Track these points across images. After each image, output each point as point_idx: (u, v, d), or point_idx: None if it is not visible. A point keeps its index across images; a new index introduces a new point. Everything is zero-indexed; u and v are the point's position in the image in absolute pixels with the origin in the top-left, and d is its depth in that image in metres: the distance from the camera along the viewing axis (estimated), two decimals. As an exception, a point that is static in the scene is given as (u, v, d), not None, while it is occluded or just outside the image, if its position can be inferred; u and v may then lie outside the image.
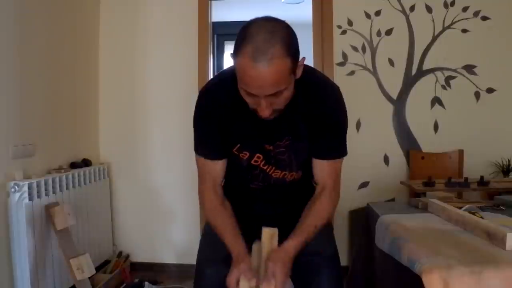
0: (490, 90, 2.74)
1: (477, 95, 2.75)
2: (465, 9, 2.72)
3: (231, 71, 1.07)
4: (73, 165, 2.52)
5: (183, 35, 2.91)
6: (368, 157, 2.79)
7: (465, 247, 1.13)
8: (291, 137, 1.16)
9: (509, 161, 2.64)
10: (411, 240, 1.21)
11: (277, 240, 1.09)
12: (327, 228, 1.30)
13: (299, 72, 1.02)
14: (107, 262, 2.77)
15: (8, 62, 2.03)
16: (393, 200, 2.72)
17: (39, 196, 2.07)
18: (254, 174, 1.23)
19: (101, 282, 2.43)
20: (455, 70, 2.75)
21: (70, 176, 2.38)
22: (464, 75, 2.75)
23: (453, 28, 2.74)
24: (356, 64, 2.80)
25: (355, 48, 2.80)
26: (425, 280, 0.99)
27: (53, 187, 2.21)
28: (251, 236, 1.25)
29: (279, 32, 0.94)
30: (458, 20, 2.74)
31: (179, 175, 2.92)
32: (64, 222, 2.13)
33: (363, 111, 2.80)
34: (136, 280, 2.61)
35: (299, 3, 4.05)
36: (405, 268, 1.15)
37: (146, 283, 2.54)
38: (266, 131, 1.15)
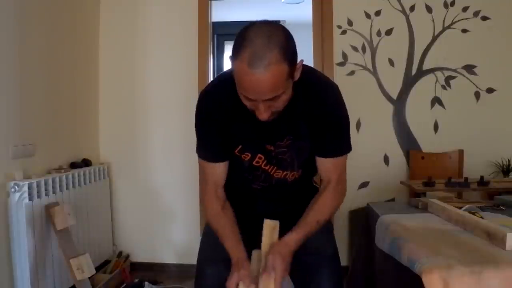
0: (490, 90, 2.74)
1: (477, 95, 2.75)
2: (465, 9, 2.73)
3: (231, 73, 1.07)
4: (73, 165, 2.53)
5: (183, 35, 2.91)
6: (368, 157, 2.79)
7: (465, 247, 1.13)
8: (292, 136, 1.16)
9: (509, 161, 2.64)
10: (411, 240, 1.21)
11: (277, 232, 1.10)
12: (328, 228, 1.30)
13: (297, 75, 1.03)
14: (107, 262, 2.77)
15: (8, 62, 2.03)
16: (393, 200, 2.72)
17: (39, 196, 2.07)
18: (255, 175, 1.23)
19: (101, 282, 2.43)
20: (455, 70, 2.75)
21: (70, 176, 2.38)
22: (464, 75, 2.75)
23: (453, 28, 2.74)
24: (356, 64, 2.80)
25: (355, 48, 2.80)
26: (425, 280, 0.99)
27: (53, 187, 2.21)
28: (252, 236, 1.25)
29: (276, 37, 0.94)
30: (458, 20, 2.74)
31: (179, 175, 2.92)
32: (64, 222, 2.13)
33: (363, 111, 2.80)
34: (136, 280, 2.61)
35: (299, 3, 4.05)
36: (405, 268, 1.15)
37: (146, 283, 2.54)
38: (267, 131, 1.15)
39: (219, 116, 1.15)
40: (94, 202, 2.65)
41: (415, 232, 1.29)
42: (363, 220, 1.79)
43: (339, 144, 1.19)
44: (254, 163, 1.20)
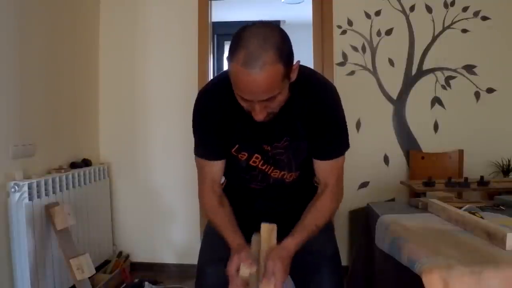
0: (490, 90, 2.74)
1: (477, 95, 2.75)
2: (465, 9, 2.73)
3: (227, 73, 1.08)
4: (73, 165, 2.53)
5: (183, 35, 2.91)
6: (368, 157, 2.79)
7: (465, 247, 1.13)
8: (290, 137, 1.16)
9: (509, 161, 2.64)
10: (411, 240, 1.21)
11: (275, 236, 1.09)
12: (328, 228, 1.30)
13: (293, 76, 1.03)
14: (107, 262, 2.77)
15: (8, 62, 2.03)
16: (393, 200, 2.72)
17: (39, 196, 2.07)
18: (252, 175, 1.23)
19: (101, 282, 2.43)
20: (455, 70, 2.75)
21: (70, 176, 2.38)
22: (464, 75, 2.75)
23: (453, 28, 2.74)
24: (356, 64, 2.80)
25: (355, 48, 2.80)
26: (425, 280, 0.99)
27: (53, 187, 2.21)
28: (251, 235, 1.25)
29: (272, 37, 0.94)
30: (458, 20, 2.74)
31: (179, 175, 2.92)
32: (64, 222, 2.13)
33: (363, 111, 2.80)
34: (136, 280, 2.61)
35: (299, 3, 4.05)
36: (405, 268, 1.15)
37: (146, 283, 2.54)
38: (264, 132, 1.15)
39: (217, 115, 1.16)
40: (94, 202, 2.65)
41: (415, 232, 1.29)
42: (363, 220, 1.79)
43: (336, 146, 1.19)
44: (251, 163, 1.20)
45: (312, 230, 1.13)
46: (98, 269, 2.55)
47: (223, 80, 1.14)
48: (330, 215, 1.21)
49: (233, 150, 1.19)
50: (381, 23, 2.78)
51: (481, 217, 1.31)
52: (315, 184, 1.37)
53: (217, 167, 1.23)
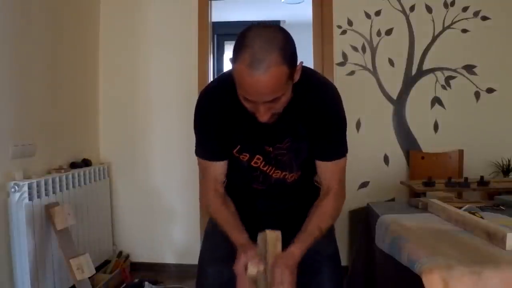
0: (490, 90, 2.74)
1: (477, 95, 2.75)
2: (465, 9, 2.73)
3: (231, 74, 1.08)
4: (73, 165, 2.52)
5: (183, 35, 2.91)
6: (368, 157, 2.79)
7: (465, 247, 1.13)
8: (291, 138, 1.16)
9: (509, 161, 2.64)
10: (411, 240, 1.21)
11: (281, 243, 1.08)
12: (329, 228, 1.30)
13: (297, 77, 1.03)
14: (107, 262, 2.77)
15: (8, 62, 2.03)
16: (393, 200, 2.72)
17: (39, 196, 2.07)
18: (254, 175, 1.23)
19: (101, 282, 2.43)
20: (455, 70, 2.75)
21: (70, 176, 2.38)
22: (464, 75, 2.75)
23: (453, 28, 2.74)
24: (356, 64, 2.80)
25: (355, 48, 2.80)
26: (425, 280, 0.99)
27: (53, 187, 2.21)
28: (254, 234, 1.25)
29: (276, 39, 0.94)
30: (458, 20, 2.74)
31: (179, 175, 2.92)
32: (64, 222, 2.13)
33: (363, 111, 2.80)
34: (136, 280, 2.61)
35: (299, 3, 4.05)
36: (405, 268, 1.15)
37: (146, 283, 2.54)
38: (266, 133, 1.15)
39: (218, 116, 1.15)
40: (94, 202, 2.65)
41: (415, 232, 1.29)
42: (363, 220, 1.79)
43: (339, 147, 1.19)
44: (252, 163, 1.20)
45: (317, 235, 1.13)
46: (98, 269, 2.55)
47: (224, 82, 1.14)
48: (334, 219, 1.21)
49: (234, 151, 1.19)
50: (381, 23, 2.78)
51: (481, 217, 1.31)
52: (316, 184, 1.37)
53: (219, 167, 1.23)
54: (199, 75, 2.88)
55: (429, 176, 2.15)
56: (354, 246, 1.97)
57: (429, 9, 2.75)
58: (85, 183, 2.54)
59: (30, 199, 2.00)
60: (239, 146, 1.18)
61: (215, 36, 4.57)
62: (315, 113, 1.13)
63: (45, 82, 2.33)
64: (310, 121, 1.14)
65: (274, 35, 0.95)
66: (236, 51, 0.96)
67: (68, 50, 2.58)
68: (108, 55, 2.96)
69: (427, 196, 1.83)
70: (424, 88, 2.77)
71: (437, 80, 2.77)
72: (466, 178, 2.17)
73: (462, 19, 2.73)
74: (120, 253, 2.88)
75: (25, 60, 2.16)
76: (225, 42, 4.96)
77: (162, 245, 2.98)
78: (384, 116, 2.81)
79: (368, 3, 2.79)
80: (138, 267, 2.91)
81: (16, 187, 1.96)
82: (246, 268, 1.05)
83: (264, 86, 0.93)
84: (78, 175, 2.47)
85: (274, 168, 1.21)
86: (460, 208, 1.45)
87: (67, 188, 2.33)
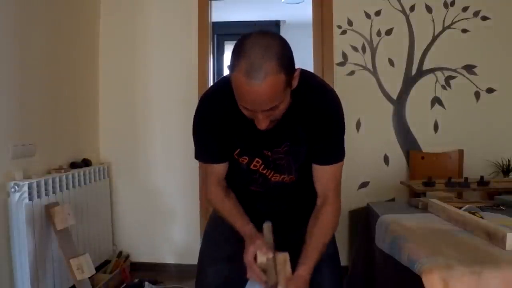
0: (490, 90, 2.74)
1: (477, 95, 2.75)
2: (465, 9, 2.73)
3: (230, 78, 1.08)
4: (73, 165, 2.53)
5: (183, 35, 2.91)
6: (368, 157, 2.79)
7: (465, 247, 1.13)
8: (290, 142, 1.17)
9: (509, 161, 2.64)
10: (411, 240, 1.21)
11: (289, 264, 1.09)
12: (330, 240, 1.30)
13: (294, 83, 1.03)
14: (107, 262, 2.77)
15: (9, 62, 2.03)
16: (393, 200, 2.72)
17: (39, 196, 2.07)
18: (253, 178, 1.23)
19: (101, 282, 2.43)
20: (455, 70, 2.75)
21: (70, 176, 2.38)
22: (464, 75, 2.75)
23: (453, 28, 2.74)
24: (356, 64, 2.80)
25: (355, 48, 2.80)
26: (425, 280, 0.99)
27: (53, 187, 2.21)
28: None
29: (273, 47, 0.94)
30: (458, 20, 2.74)
31: (179, 175, 2.92)
32: (64, 222, 2.13)
33: (363, 111, 2.80)
34: (136, 280, 2.61)
35: (299, 3, 4.05)
36: (405, 268, 1.15)
37: (146, 283, 2.54)
38: (264, 138, 1.15)
39: (218, 120, 1.16)
40: (94, 202, 2.65)
41: (415, 232, 1.29)
42: (363, 220, 1.79)
43: (336, 151, 1.19)
44: (251, 167, 1.21)
45: (321, 250, 1.14)
46: (98, 269, 2.55)
47: (223, 86, 1.14)
48: (334, 230, 1.21)
49: (234, 153, 1.20)
50: (381, 23, 2.78)
51: (481, 217, 1.31)
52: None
53: (220, 167, 1.24)
54: (199, 75, 2.88)
55: (429, 176, 2.15)
56: (354, 246, 1.97)
57: (429, 9, 2.75)
58: (85, 183, 2.54)
59: (30, 199, 2.00)
60: (239, 150, 1.19)
61: (215, 36, 4.57)
62: (315, 117, 1.13)
63: (45, 82, 2.33)
64: (309, 125, 1.14)
65: (271, 43, 0.94)
66: (233, 59, 0.96)
67: (68, 50, 2.58)
68: (108, 55, 2.96)
69: (427, 196, 1.83)
70: (424, 88, 2.77)
71: (437, 80, 2.77)
72: (466, 178, 2.17)
73: (462, 19, 2.73)
74: (120, 253, 2.88)
75: (25, 60, 2.16)
76: (225, 42, 4.96)
77: (162, 245, 2.98)
78: (384, 116, 2.81)
79: (368, 3, 2.79)
80: (138, 267, 2.91)
81: (16, 187, 1.96)
82: (255, 258, 1.07)
83: (261, 95, 0.93)
84: (78, 175, 2.47)
85: (273, 172, 1.21)
86: (460, 208, 1.45)
87: (67, 188, 2.33)
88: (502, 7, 2.72)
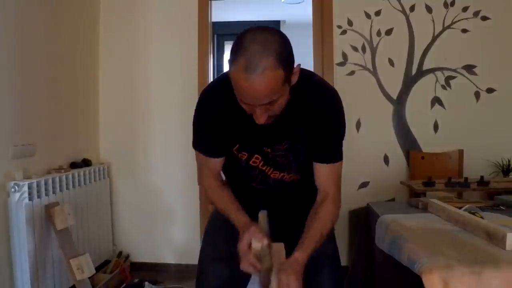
0: (490, 90, 2.74)
1: (477, 95, 2.75)
2: (465, 9, 2.73)
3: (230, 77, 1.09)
4: (73, 165, 2.52)
5: (183, 35, 2.91)
6: (368, 157, 2.79)
7: (465, 247, 1.13)
8: (290, 140, 1.17)
9: (509, 161, 2.64)
10: (411, 240, 1.21)
11: (284, 253, 1.09)
12: (329, 232, 1.30)
13: (294, 79, 1.03)
14: (107, 262, 2.77)
15: (8, 62, 2.03)
16: (393, 200, 2.72)
17: (39, 196, 2.07)
18: (253, 175, 1.24)
19: (101, 282, 2.43)
20: (455, 70, 2.75)
21: (70, 176, 2.38)
22: (464, 75, 2.75)
23: (453, 28, 2.74)
24: (356, 64, 2.80)
25: (355, 48, 2.80)
26: (425, 280, 0.99)
27: (53, 187, 2.21)
28: None
29: (272, 43, 0.94)
30: (458, 20, 2.74)
31: (179, 175, 2.92)
32: (64, 222, 2.13)
33: (363, 111, 2.80)
34: (136, 280, 2.61)
35: (299, 3, 4.05)
36: (405, 268, 1.15)
37: (146, 283, 2.54)
38: (264, 134, 1.15)
39: (217, 115, 1.16)
40: (94, 202, 2.65)
41: (415, 232, 1.29)
42: (363, 220, 1.79)
43: (338, 148, 1.20)
44: (251, 163, 1.21)
45: (319, 239, 1.13)
46: (98, 269, 2.55)
47: (223, 81, 1.15)
48: (334, 223, 1.21)
49: (234, 149, 1.20)
50: (381, 23, 2.78)
51: (481, 217, 1.31)
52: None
53: (215, 161, 1.25)
54: (199, 75, 2.88)
55: (429, 176, 2.15)
56: (354, 246, 1.97)
57: (429, 9, 2.75)
58: (85, 183, 2.54)
59: (30, 199, 2.00)
60: (238, 145, 1.19)
61: (215, 36, 4.57)
62: (316, 115, 1.13)
63: (45, 82, 2.33)
64: (310, 124, 1.14)
65: (270, 39, 0.95)
66: (232, 55, 0.97)
67: (68, 50, 2.58)
68: (108, 55, 2.96)
69: (427, 196, 1.83)
70: (424, 88, 2.77)
71: (437, 80, 2.77)
72: (466, 178, 2.17)
73: (462, 19, 2.73)
74: (120, 253, 2.88)
75: (25, 60, 2.16)
76: (225, 42, 4.96)
77: (162, 245, 2.98)
78: (384, 116, 2.81)
79: (368, 3, 2.79)
80: (138, 267, 2.91)
81: (16, 187, 1.96)
82: (249, 246, 1.06)
83: (259, 90, 0.94)
84: (78, 175, 2.47)
85: (272, 169, 1.22)
86: (460, 208, 1.45)
87: (67, 188, 2.33)
88: (502, 7, 2.72)
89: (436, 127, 2.78)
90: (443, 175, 2.36)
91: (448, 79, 2.76)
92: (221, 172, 1.31)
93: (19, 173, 2.05)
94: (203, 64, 2.91)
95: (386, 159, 2.82)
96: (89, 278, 2.16)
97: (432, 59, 2.76)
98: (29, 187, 2.00)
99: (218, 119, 1.16)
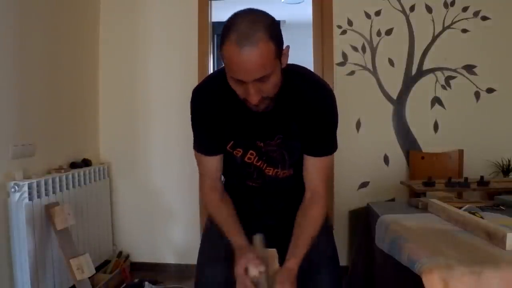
0: (490, 90, 2.74)
1: (477, 95, 2.75)
2: (465, 9, 2.73)
3: (222, 70, 1.11)
4: (73, 165, 2.52)
5: (183, 35, 2.91)
6: (368, 157, 2.79)
7: (465, 247, 1.13)
8: (282, 136, 1.17)
9: (509, 161, 2.64)
10: (411, 240, 1.21)
11: (277, 259, 1.09)
12: (327, 228, 1.30)
13: (284, 61, 1.04)
14: (107, 262, 2.77)
15: (8, 62, 2.03)
16: (393, 200, 2.72)
17: (39, 196, 2.07)
18: (248, 172, 1.23)
19: (101, 282, 2.43)
20: (455, 70, 2.75)
21: (70, 176, 2.38)
22: (464, 75, 2.75)
23: (453, 28, 2.74)
24: (356, 64, 2.80)
25: (355, 48, 2.80)
26: (425, 280, 0.99)
27: (53, 187, 2.21)
28: (252, 233, 1.25)
29: (261, 20, 0.97)
30: (458, 20, 2.74)
31: (179, 175, 2.92)
32: (64, 222, 2.13)
33: (363, 111, 2.80)
34: (136, 280, 2.61)
35: (299, 3, 4.05)
36: (405, 268, 1.15)
37: (146, 283, 2.54)
38: (257, 128, 1.16)
39: (211, 111, 1.17)
40: (94, 202, 2.65)
41: (415, 232, 1.29)
42: (363, 220, 1.79)
43: (328, 143, 1.20)
44: (246, 159, 1.21)
45: (310, 243, 1.14)
46: (98, 269, 2.55)
47: (214, 78, 1.18)
48: (322, 223, 1.21)
49: (228, 146, 1.20)
50: (381, 23, 2.78)
51: (481, 217, 1.31)
52: None
53: (214, 162, 1.24)
54: (199, 75, 2.88)
55: (429, 176, 2.14)
56: (354, 246, 1.97)
57: (429, 9, 2.75)
58: (85, 183, 2.54)
59: (30, 199, 2.00)
60: (232, 142, 1.19)
61: (215, 36, 4.56)
62: (309, 109, 1.13)
63: (45, 82, 2.33)
64: (303, 118, 1.14)
65: (259, 17, 0.98)
66: (223, 37, 0.98)
67: (68, 50, 2.58)
68: (108, 55, 2.96)
69: (427, 196, 1.83)
70: (424, 88, 2.77)
71: (437, 80, 2.77)
72: (466, 178, 2.17)
73: (462, 19, 2.73)
74: (120, 253, 2.88)
75: (25, 60, 2.16)
76: (225, 42, 4.95)
77: (162, 245, 2.98)
78: (384, 116, 2.81)
79: (368, 3, 2.79)
80: (138, 267, 2.91)
81: (16, 187, 1.96)
82: (245, 271, 1.05)
83: (252, 61, 0.94)
84: (78, 175, 2.47)
85: (266, 165, 1.21)
86: (460, 208, 1.45)
87: (67, 188, 2.33)
88: (502, 7, 2.72)
89: (436, 127, 2.78)
90: (443, 175, 2.36)
91: (448, 79, 2.76)
92: (221, 178, 1.30)
93: (19, 173, 2.05)
94: (203, 64, 2.91)
95: (386, 159, 2.82)
96: (89, 278, 2.16)
97: (432, 59, 2.76)
98: (29, 187, 2.00)
99: (210, 114, 1.17)
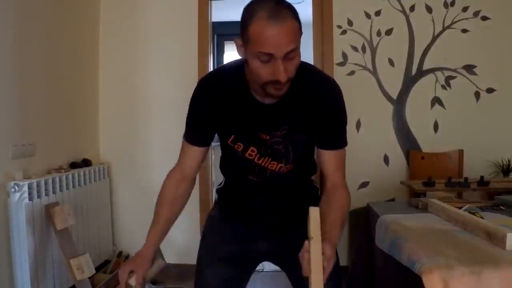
0: (490, 90, 2.74)
1: (477, 95, 2.75)
2: (465, 9, 2.73)
3: (230, 65, 1.13)
4: (73, 165, 2.52)
5: (183, 35, 2.91)
6: (368, 157, 2.79)
7: (465, 247, 1.13)
8: (288, 127, 1.16)
9: (509, 161, 2.64)
10: (411, 240, 1.21)
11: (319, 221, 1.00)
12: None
13: (299, 46, 1.05)
14: (107, 262, 2.77)
15: (8, 62, 2.03)
16: (393, 200, 2.72)
17: (39, 196, 2.07)
18: (249, 167, 1.22)
19: (101, 282, 2.42)
20: (455, 70, 2.75)
21: (70, 176, 2.38)
22: (464, 75, 2.75)
23: (453, 28, 2.74)
24: (356, 64, 2.80)
25: (355, 48, 2.80)
26: (425, 280, 0.99)
27: (53, 187, 2.21)
28: (251, 232, 1.25)
29: (284, 2, 1.00)
30: (458, 20, 2.74)
31: (179, 175, 2.91)
32: (64, 222, 2.13)
33: (363, 111, 2.80)
34: (136, 280, 2.60)
35: (299, 3, 4.04)
36: (405, 268, 1.15)
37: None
38: (262, 119, 1.14)
39: (212, 105, 1.17)
40: (94, 202, 2.65)
41: (415, 232, 1.29)
42: (363, 220, 1.79)
43: (343, 135, 1.19)
44: (246, 155, 1.19)
45: (340, 226, 1.13)
46: (98, 269, 2.55)
47: (222, 71, 1.19)
48: (348, 210, 1.23)
49: (229, 141, 1.19)
50: (381, 23, 2.78)
51: (481, 217, 1.31)
52: (314, 184, 1.37)
53: (195, 153, 1.25)
54: (199, 75, 2.87)
55: (429, 176, 2.15)
56: (354, 246, 1.97)
57: (429, 9, 2.75)
58: (85, 183, 2.54)
59: (30, 199, 2.00)
60: (233, 136, 1.18)
61: (215, 36, 4.57)
62: (317, 103, 1.13)
63: (45, 82, 2.33)
64: (310, 111, 1.13)
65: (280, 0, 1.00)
66: (247, 18, 0.99)
67: (68, 50, 2.58)
68: (108, 55, 2.96)
69: (427, 196, 1.83)
70: (424, 88, 2.77)
71: (437, 80, 2.77)
72: (466, 178, 2.17)
73: (462, 19, 2.73)
74: (120, 253, 2.88)
75: (25, 60, 2.16)
76: (225, 42, 4.96)
77: (162, 245, 2.96)
78: (384, 116, 2.81)
79: (368, 3, 2.79)
80: (138, 267, 2.90)
81: (16, 187, 1.96)
82: (128, 275, 1.18)
83: (283, 34, 0.96)
84: (78, 175, 2.47)
85: (270, 159, 1.19)
86: (460, 208, 1.45)
87: (67, 188, 2.33)
88: (502, 7, 2.72)
89: (436, 127, 2.78)
90: (443, 175, 2.36)
91: (448, 79, 2.76)
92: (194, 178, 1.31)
93: (19, 173, 2.05)
94: (203, 64, 2.90)
95: (386, 159, 2.82)
96: (89, 278, 2.16)
97: (432, 59, 2.76)
98: (29, 187, 2.00)
99: (211, 107, 1.17)
